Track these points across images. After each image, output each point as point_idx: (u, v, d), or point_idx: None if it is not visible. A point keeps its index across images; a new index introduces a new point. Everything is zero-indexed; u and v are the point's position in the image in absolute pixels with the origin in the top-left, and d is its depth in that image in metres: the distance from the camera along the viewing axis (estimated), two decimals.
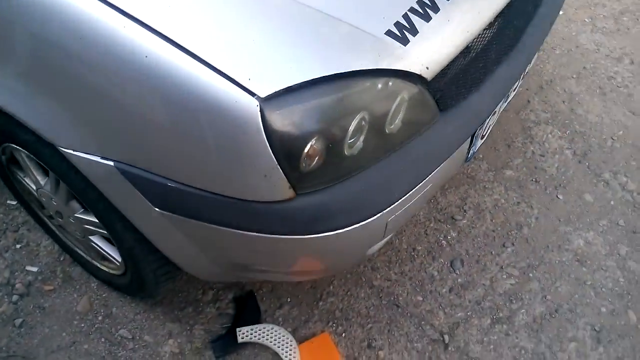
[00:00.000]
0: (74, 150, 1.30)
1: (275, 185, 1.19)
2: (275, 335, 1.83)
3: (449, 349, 1.87)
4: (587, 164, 2.40)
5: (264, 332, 1.84)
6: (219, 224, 1.30)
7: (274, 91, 1.09)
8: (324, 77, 1.14)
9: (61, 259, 2.03)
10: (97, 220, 1.59)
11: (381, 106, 1.24)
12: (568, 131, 2.52)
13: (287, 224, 1.28)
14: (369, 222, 1.32)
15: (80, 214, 1.66)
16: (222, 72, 1.09)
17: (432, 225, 2.19)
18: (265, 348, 1.85)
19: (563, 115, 2.59)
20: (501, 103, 1.61)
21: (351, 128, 1.19)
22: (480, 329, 1.91)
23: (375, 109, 1.22)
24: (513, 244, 2.13)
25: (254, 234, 1.30)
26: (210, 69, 1.08)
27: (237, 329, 1.84)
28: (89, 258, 1.93)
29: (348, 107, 1.18)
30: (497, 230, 2.17)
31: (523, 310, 1.96)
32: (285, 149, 1.15)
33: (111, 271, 1.87)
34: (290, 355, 1.79)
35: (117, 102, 1.18)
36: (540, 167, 2.38)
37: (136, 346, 1.87)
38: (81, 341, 1.87)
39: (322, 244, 1.34)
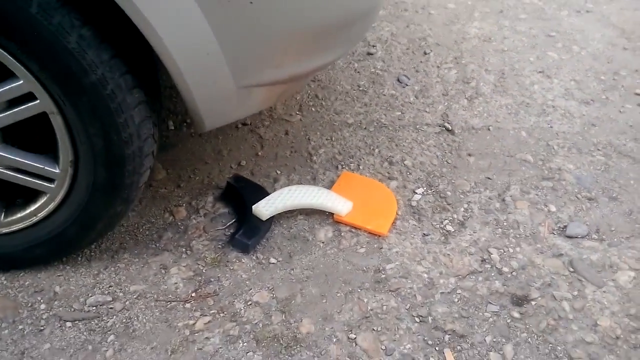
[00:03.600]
0: None
1: None
2: (301, 192, 1.40)
3: (456, 131, 1.72)
4: None
5: (285, 196, 1.39)
6: None
7: None
8: None
9: None
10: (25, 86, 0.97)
11: None
12: None
13: None
14: None
15: None
16: None
17: (356, 65, 2.02)
18: (296, 213, 1.41)
19: None
20: None
21: None
22: (465, 108, 1.82)
23: None
24: (431, 50, 2.12)
25: None
26: None
27: (254, 207, 1.35)
28: None
29: None
30: (411, 47, 2.13)
31: (481, 84, 1.94)
32: None
33: (34, 218, 1.17)
34: (330, 200, 1.39)
35: None
36: (400, 1, 2.45)
37: (127, 302, 1.21)
38: (33, 344, 1.12)
39: None
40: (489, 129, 1.74)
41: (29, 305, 1.21)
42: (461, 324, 1.18)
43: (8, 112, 1.02)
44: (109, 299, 1.22)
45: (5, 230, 1.20)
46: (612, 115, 1.81)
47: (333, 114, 1.78)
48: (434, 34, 2.23)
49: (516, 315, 1.20)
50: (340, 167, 1.58)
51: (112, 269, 1.29)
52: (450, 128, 1.73)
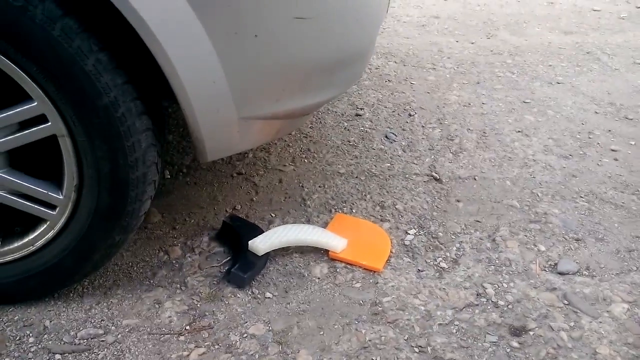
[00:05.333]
0: None
1: None
2: (297, 230, 1.42)
3: (444, 180, 1.78)
4: (409, 64, 2.76)
5: (281, 233, 1.40)
6: None
7: None
8: None
9: None
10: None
11: None
12: (384, 52, 2.87)
13: None
14: None
15: None
16: None
17: (346, 124, 2.12)
18: (291, 251, 1.41)
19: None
20: None
21: None
22: (451, 161, 1.90)
23: None
24: (415, 113, 2.24)
25: None
26: None
27: (250, 242, 1.36)
28: None
29: None
30: (396, 110, 2.26)
31: (465, 141, 2.04)
32: None
33: (31, 247, 1.17)
34: (325, 237, 1.41)
35: None
36: (384, 74, 2.62)
37: (119, 336, 1.18)
38: None
39: None
40: (474, 179, 1.81)
41: (17, 338, 1.17)
42: (461, 354, 1.16)
43: (18, 135, 1.06)
44: (101, 332, 1.19)
45: (21, 252, 1.18)
46: (590, 168, 1.91)
47: (325, 164, 1.85)
48: (417, 100, 2.37)
49: (515, 345, 1.19)
50: (333, 210, 1.61)
51: (105, 304, 1.26)
52: (438, 177, 1.80)
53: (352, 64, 1.32)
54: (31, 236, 1.17)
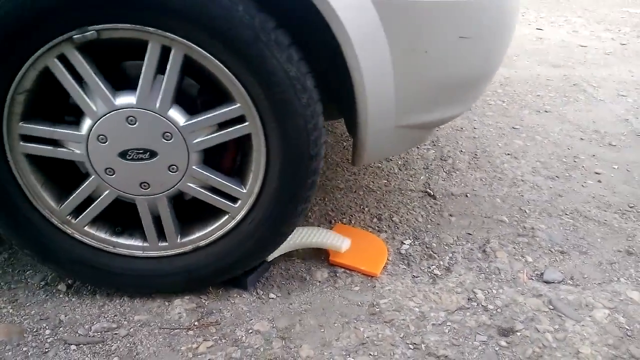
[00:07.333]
0: None
1: None
2: (302, 233, 1.50)
3: (437, 196, 1.88)
4: None
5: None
6: None
7: None
8: None
9: None
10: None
11: None
12: None
13: None
14: None
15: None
16: None
17: (344, 143, 2.23)
18: (293, 257, 1.49)
19: None
20: None
21: None
22: (445, 179, 2.00)
23: None
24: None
25: None
26: None
27: None
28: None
29: None
30: None
31: (457, 161, 2.15)
32: None
33: (111, 247, 1.29)
34: (329, 238, 1.49)
35: None
36: None
37: (131, 329, 1.25)
38: None
39: None
40: (466, 196, 1.91)
41: (34, 330, 1.23)
42: (453, 351, 1.24)
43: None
44: (114, 325, 1.26)
45: (77, 236, 1.28)
46: (575, 189, 2.01)
47: (325, 180, 1.94)
48: None
49: (503, 344, 1.27)
50: (333, 221, 1.70)
51: (117, 301, 1.33)
52: (432, 194, 1.90)
53: (487, 80, 1.42)
54: (124, 241, 1.31)
